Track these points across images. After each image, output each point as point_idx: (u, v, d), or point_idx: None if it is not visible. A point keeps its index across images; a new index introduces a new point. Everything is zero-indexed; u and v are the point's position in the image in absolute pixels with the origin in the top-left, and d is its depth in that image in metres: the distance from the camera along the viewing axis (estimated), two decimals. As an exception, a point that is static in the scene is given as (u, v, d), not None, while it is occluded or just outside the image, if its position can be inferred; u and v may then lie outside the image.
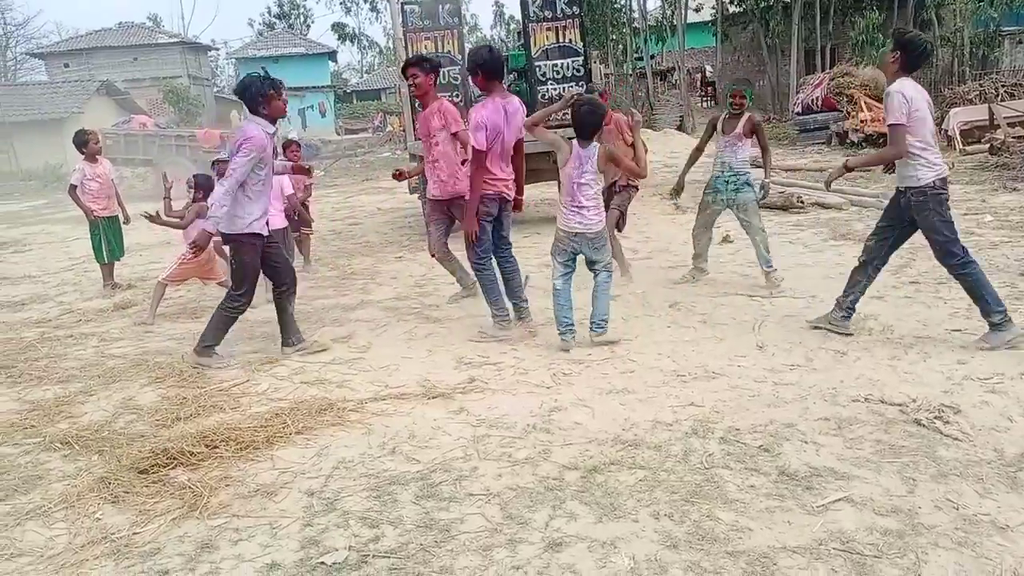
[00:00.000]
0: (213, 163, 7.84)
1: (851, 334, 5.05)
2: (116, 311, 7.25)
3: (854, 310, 5.16)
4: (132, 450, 3.91)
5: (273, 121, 5.08)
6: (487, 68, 5.20)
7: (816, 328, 5.22)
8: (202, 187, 6.94)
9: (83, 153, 8.06)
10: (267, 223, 5.22)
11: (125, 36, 43.42)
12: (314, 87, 46.92)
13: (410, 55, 9.75)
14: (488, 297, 5.56)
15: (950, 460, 3.36)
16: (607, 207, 6.35)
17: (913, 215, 4.79)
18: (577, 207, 5.10)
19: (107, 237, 8.15)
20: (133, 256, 9.89)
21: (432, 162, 6.09)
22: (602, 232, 5.18)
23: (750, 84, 6.87)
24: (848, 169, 5.11)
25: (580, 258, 5.27)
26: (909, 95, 4.58)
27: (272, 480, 3.56)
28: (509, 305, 5.60)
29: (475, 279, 5.82)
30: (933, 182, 4.69)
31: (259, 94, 4.95)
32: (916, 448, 3.48)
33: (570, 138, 5.17)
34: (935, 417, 3.71)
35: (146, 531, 3.18)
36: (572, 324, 5.20)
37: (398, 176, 6.96)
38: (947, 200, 4.80)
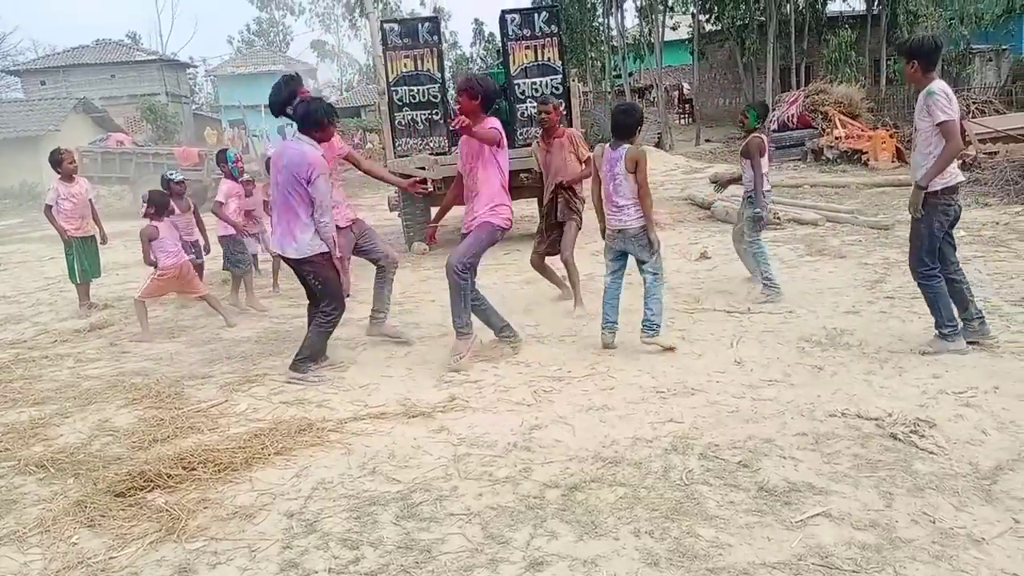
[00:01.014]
0: (167, 181, 7.75)
1: (993, 338, 5.01)
2: (92, 332, 7.18)
3: (982, 315, 5.07)
4: (108, 473, 3.86)
5: (320, 143, 5.19)
6: (490, 100, 5.27)
7: (967, 346, 4.93)
8: (155, 204, 6.82)
9: (58, 172, 7.97)
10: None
11: (102, 53, 43.19)
12: (293, 104, 46.85)
13: (389, 73, 9.82)
14: (460, 312, 5.35)
15: (926, 474, 3.40)
16: (550, 234, 6.68)
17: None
18: (616, 207, 5.31)
19: (81, 257, 8.04)
20: (110, 275, 9.82)
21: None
22: (643, 233, 5.29)
23: (760, 106, 6.92)
24: (923, 188, 4.78)
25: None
26: (949, 92, 4.67)
27: (251, 502, 3.53)
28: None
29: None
30: (940, 190, 4.77)
31: (320, 120, 5.13)
32: (893, 462, 3.52)
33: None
34: (911, 431, 3.75)
35: (123, 555, 3.14)
36: (614, 321, 5.45)
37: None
38: (951, 210, 4.87)
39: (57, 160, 7.93)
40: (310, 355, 5.28)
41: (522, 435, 4.07)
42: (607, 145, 5.36)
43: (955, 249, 5.11)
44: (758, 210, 6.54)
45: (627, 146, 5.25)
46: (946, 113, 4.59)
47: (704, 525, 3.09)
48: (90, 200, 8.15)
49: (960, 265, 5.13)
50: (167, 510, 3.45)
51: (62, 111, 32.30)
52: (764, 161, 6.57)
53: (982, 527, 2.97)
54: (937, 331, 4.94)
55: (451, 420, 4.35)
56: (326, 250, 5.13)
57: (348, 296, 5.62)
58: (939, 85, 4.68)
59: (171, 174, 8.19)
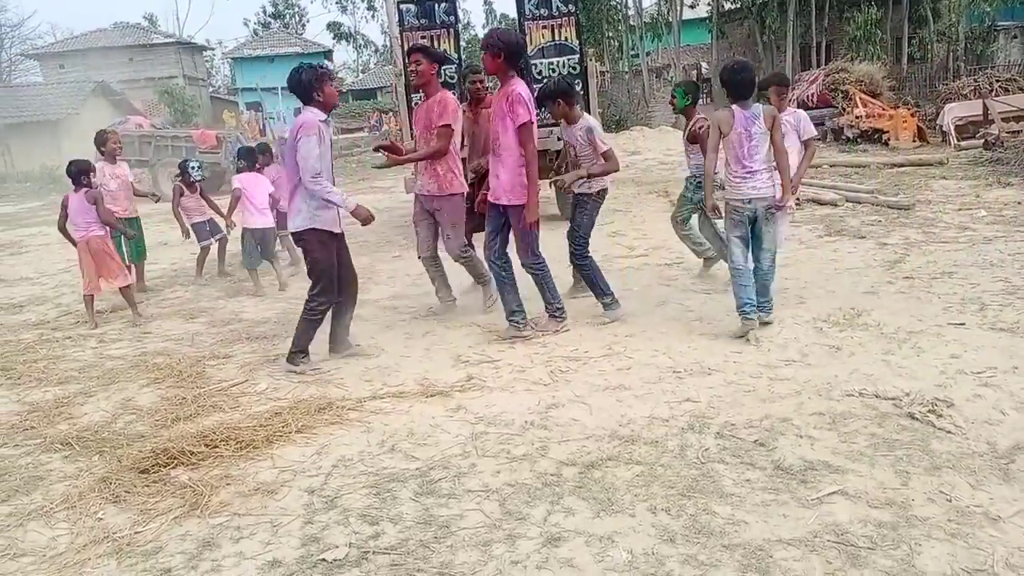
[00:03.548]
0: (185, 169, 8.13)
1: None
2: (113, 312, 7.27)
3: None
4: (132, 450, 3.93)
5: (327, 110, 4.95)
6: (514, 55, 5.11)
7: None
8: (69, 174, 6.85)
9: (102, 153, 7.89)
10: (339, 221, 5.11)
11: (120, 37, 43.34)
12: (310, 86, 46.86)
13: (405, 54, 9.79)
14: (552, 294, 5.53)
15: (943, 453, 3.39)
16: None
17: None
18: (748, 173, 4.98)
19: (128, 239, 7.89)
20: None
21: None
22: (773, 198, 5.04)
23: (688, 85, 6.57)
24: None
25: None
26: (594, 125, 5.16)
27: (272, 479, 3.59)
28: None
29: (488, 280, 5.93)
30: (597, 191, 5.54)
31: (310, 82, 4.83)
32: (909, 441, 3.52)
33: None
34: (928, 411, 3.74)
35: (147, 530, 3.21)
36: (755, 304, 5.08)
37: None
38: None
39: (102, 140, 7.85)
40: (301, 347, 5.09)
41: (539, 414, 4.10)
42: (732, 107, 4.98)
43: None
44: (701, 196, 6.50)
45: (760, 104, 5.01)
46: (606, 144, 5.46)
47: (720, 503, 3.11)
48: (131, 182, 8.12)
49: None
50: (190, 486, 3.52)
51: (81, 94, 32.57)
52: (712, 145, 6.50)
53: (999, 505, 2.97)
54: (601, 302, 5.71)
55: (468, 399, 4.39)
56: (317, 227, 4.92)
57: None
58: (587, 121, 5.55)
59: (192, 166, 8.38)
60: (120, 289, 6.96)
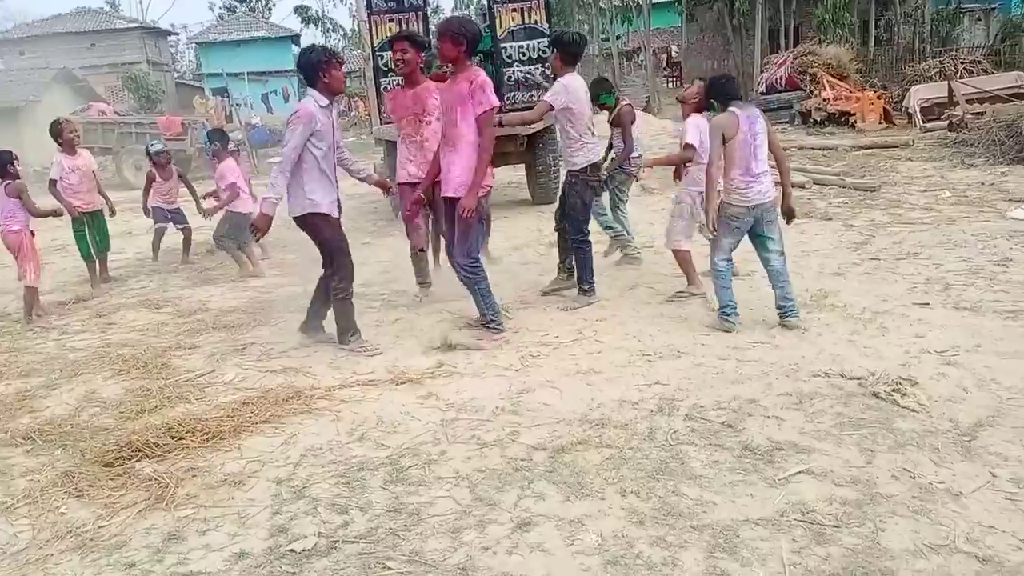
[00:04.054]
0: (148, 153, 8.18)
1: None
2: (77, 303, 7.14)
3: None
4: (96, 443, 3.87)
5: (332, 94, 4.86)
6: (474, 44, 5.02)
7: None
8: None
9: (59, 143, 7.48)
10: (339, 205, 5.03)
11: (82, 22, 42.41)
12: (277, 72, 46.10)
13: (374, 38, 9.68)
14: (488, 304, 5.16)
15: (907, 431, 3.44)
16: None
17: None
18: (754, 177, 4.78)
19: (92, 232, 7.71)
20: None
21: (421, 141, 5.75)
22: (775, 201, 4.90)
23: (600, 84, 6.63)
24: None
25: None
26: (568, 85, 5.11)
27: (239, 469, 3.55)
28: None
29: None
30: (587, 166, 5.50)
31: (318, 63, 4.74)
32: (874, 420, 3.56)
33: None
34: (893, 390, 3.79)
35: (112, 524, 3.16)
36: (733, 309, 4.98)
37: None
38: (598, 184, 5.66)
39: (57, 131, 7.43)
40: (347, 326, 5.08)
41: (510, 399, 4.10)
42: (732, 111, 4.79)
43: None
44: (624, 174, 6.67)
45: (755, 106, 4.93)
46: (553, 98, 5.33)
47: (689, 484, 3.13)
48: (94, 172, 7.78)
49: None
50: (156, 479, 3.46)
51: (42, 81, 31.81)
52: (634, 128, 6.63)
53: (961, 482, 3.02)
54: (579, 287, 5.75)
55: (439, 386, 4.37)
56: (317, 211, 4.86)
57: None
58: (569, 79, 5.38)
59: (152, 144, 8.19)
60: (25, 286, 6.67)
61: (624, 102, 6.62)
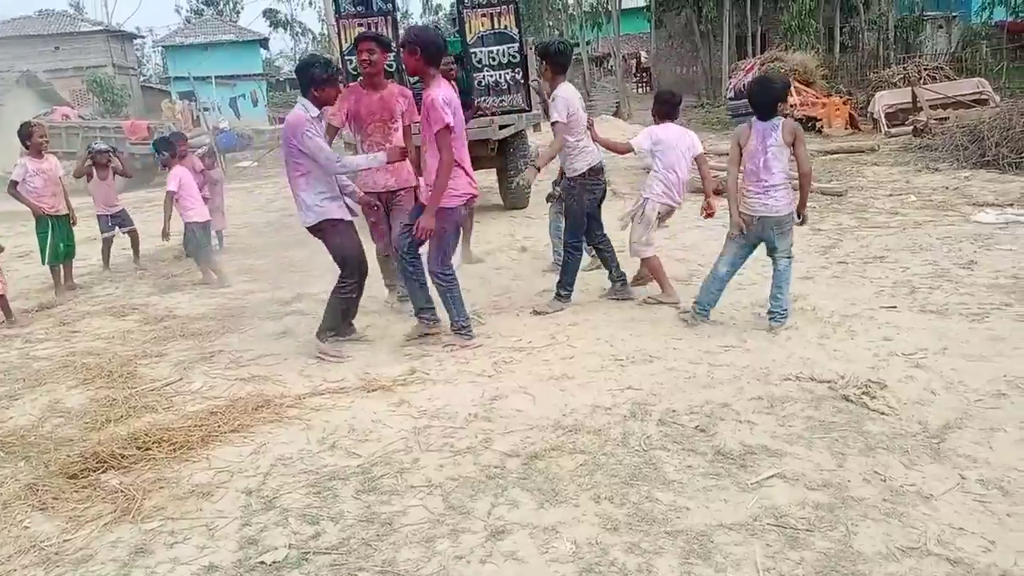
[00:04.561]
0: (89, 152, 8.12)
1: (634, 296, 5.80)
2: (40, 311, 6.99)
3: (624, 278, 5.88)
4: (60, 455, 3.78)
5: (320, 106, 4.85)
6: (433, 51, 4.82)
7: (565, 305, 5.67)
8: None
9: (26, 147, 7.39)
10: (348, 209, 5.05)
11: (46, 24, 41.66)
12: (245, 75, 45.74)
13: (342, 42, 9.62)
14: (459, 310, 5.13)
15: (877, 434, 3.48)
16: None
17: None
18: (764, 188, 4.79)
19: (56, 236, 7.52)
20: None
21: (388, 149, 5.33)
22: (788, 216, 4.87)
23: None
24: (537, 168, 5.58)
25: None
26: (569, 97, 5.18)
27: (208, 480, 3.48)
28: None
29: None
30: (586, 171, 5.49)
31: (318, 79, 4.76)
32: (845, 423, 3.59)
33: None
34: (863, 393, 3.83)
35: (77, 538, 3.08)
36: (707, 310, 5.07)
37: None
38: (598, 189, 5.59)
39: (26, 134, 7.34)
40: (331, 325, 5.10)
41: (482, 406, 4.07)
42: (751, 120, 4.88)
43: (600, 224, 5.84)
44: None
45: (780, 118, 4.82)
46: (559, 115, 5.30)
47: (662, 489, 3.13)
48: (60, 178, 7.63)
49: (605, 236, 5.87)
50: (121, 491, 3.39)
51: (4, 85, 31.13)
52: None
53: (931, 484, 3.05)
54: (557, 291, 5.75)
55: (411, 393, 4.33)
56: (333, 217, 4.90)
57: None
58: (563, 89, 5.37)
59: (94, 145, 8.26)
60: None
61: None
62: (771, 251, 5.00)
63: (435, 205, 4.82)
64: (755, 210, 4.86)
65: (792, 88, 18.32)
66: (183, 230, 7.86)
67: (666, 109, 5.69)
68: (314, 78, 4.77)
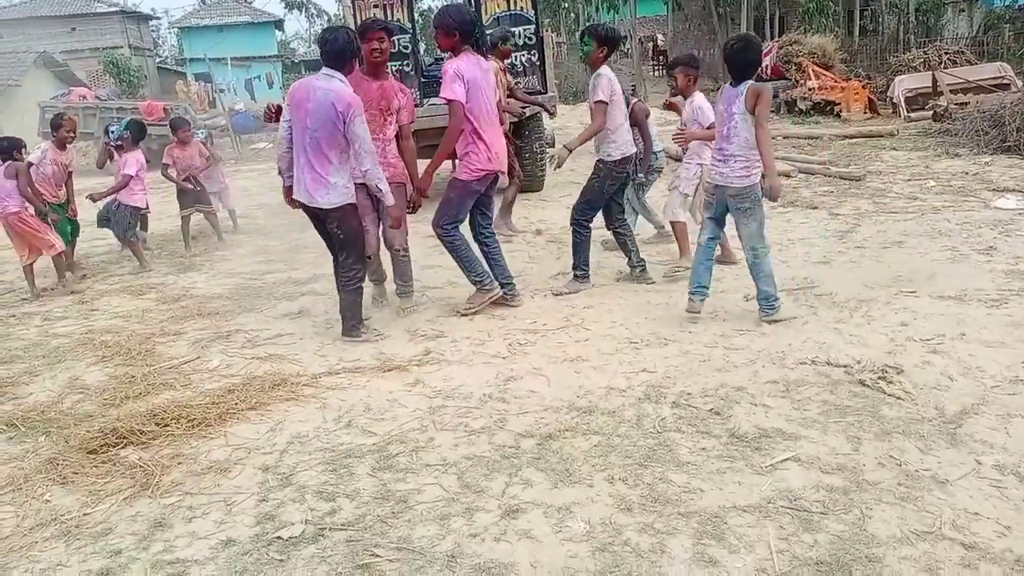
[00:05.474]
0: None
1: (653, 281, 5.88)
2: (56, 289, 7.05)
3: (643, 263, 5.96)
4: (80, 430, 3.83)
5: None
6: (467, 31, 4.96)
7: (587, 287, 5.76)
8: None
9: (53, 136, 7.46)
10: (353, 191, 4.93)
11: (61, 5, 41.74)
12: (261, 57, 45.76)
13: (358, 23, 9.59)
14: (467, 266, 5.29)
15: (893, 419, 3.46)
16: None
17: None
18: (724, 156, 4.63)
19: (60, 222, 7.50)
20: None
21: (385, 141, 5.27)
22: (747, 190, 4.62)
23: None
24: (570, 150, 5.52)
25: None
26: (612, 78, 5.21)
27: (225, 457, 3.52)
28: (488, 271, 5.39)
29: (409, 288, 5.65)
30: (618, 159, 5.47)
31: (342, 50, 4.62)
32: (860, 408, 3.58)
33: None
34: (879, 377, 3.81)
35: (97, 511, 3.13)
36: (705, 286, 4.86)
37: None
38: (621, 177, 5.59)
39: (57, 124, 7.43)
40: (355, 318, 5.00)
41: (497, 387, 4.09)
42: (727, 84, 4.67)
43: (621, 207, 5.95)
44: (656, 172, 7.10)
45: (750, 81, 4.53)
46: (603, 93, 5.23)
47: (676, 471, 3.13)
48: (70, 172, 7.64)
49: (625, 220, 5.95)
50: (140, 466, 3.44)
51: (22, 65, 31.40)
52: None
53: (946, 469, 3.04)
54: (573, 272, 5.79)
55: (426, 373, 4.36)
56: (354, 201, 4.83)
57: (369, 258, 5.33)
58: (606, 70, 5.30)
59: (109, 127, 8.47)
60: (52, 257, 6.98)
61: (634, 100, 6.42)
62: (740, 237, 4.82)
63: (428, 171, 5.12)
64: (713, 177, 4.75)
65: (810, 70, 18.18)
66: (113, 208, 7.83)
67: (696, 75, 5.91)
68: (355, 50, 4.68)
